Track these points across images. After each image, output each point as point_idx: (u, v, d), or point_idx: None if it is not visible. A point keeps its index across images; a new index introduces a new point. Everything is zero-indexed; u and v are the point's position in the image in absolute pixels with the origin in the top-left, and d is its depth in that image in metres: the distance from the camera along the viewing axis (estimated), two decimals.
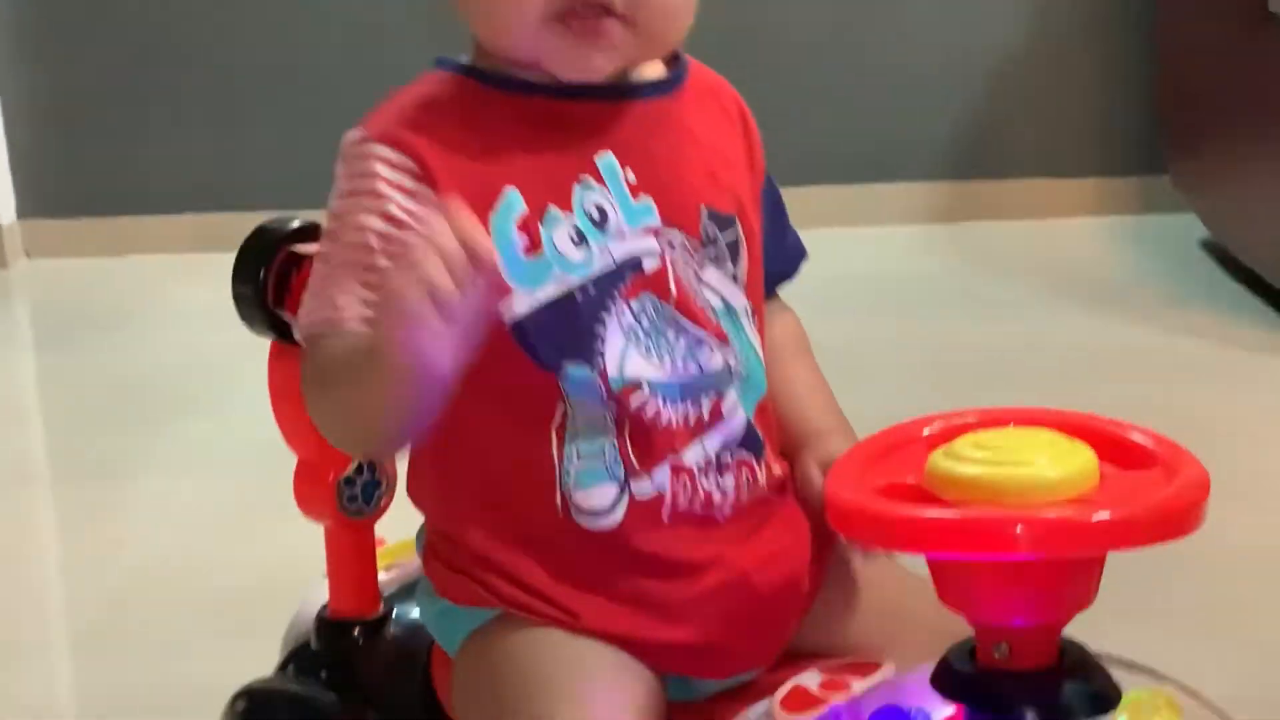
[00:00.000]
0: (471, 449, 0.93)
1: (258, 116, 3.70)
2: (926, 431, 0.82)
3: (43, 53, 3.67)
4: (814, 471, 0.97)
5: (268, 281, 1.03)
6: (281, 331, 1.04)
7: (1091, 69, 3.69)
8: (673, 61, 0.99)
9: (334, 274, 0.90)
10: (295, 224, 1.05)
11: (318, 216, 3.22)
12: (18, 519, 2.31)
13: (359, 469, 1.08)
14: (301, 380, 0.92)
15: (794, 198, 3.97)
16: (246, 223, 3.50)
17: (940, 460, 0.77)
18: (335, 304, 0.89)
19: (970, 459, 0.76)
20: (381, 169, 0.90)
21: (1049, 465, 0.75)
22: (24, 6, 3.64)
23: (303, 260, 1.04)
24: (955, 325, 2.97)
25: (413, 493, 1.00)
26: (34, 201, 3.73)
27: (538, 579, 0.92)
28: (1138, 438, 0.79)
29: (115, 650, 1.86)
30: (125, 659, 1.82)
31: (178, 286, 3.37)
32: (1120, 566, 0.77)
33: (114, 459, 2.46)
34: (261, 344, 1.09)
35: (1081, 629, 0.77)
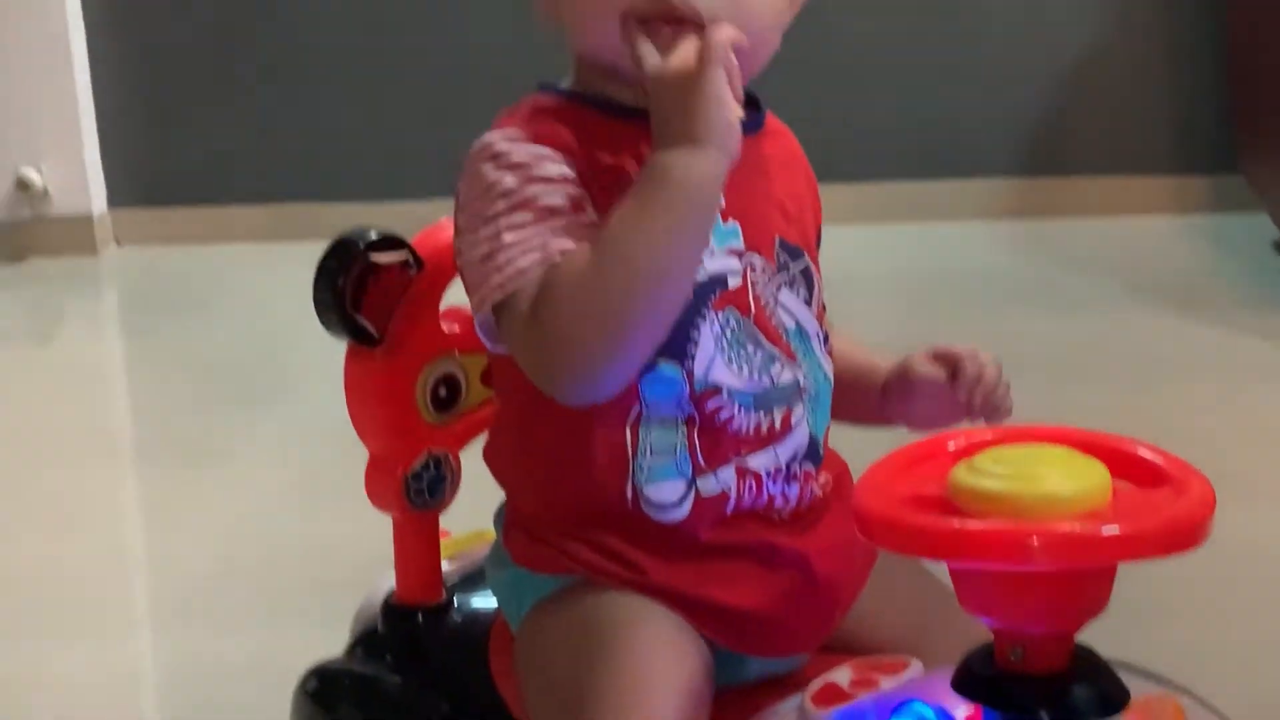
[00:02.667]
0: (550, 432, 0.99)
1: (341, 110, 3.77)
2: (951, 446, 0.86)
3: (131, 47, 3.77)
4: (923, 366, 1.07)
5: (346, 288, 1.08)
6: (357, 333, 1.10)
7: (1165, 67, 3.68)
8: (751, 104, 1.04)
9: (521, 228, 0.93)
10: (373, 235, 1.10)
11: (398, 207, 3.28)
12: (105, 497, 2.39)
13: (426, 464, 1.14)
14: (533, 319, 0.91)
15: (869, 192, 4.03)
16: (327, 213, 3.60)
17: (963, 474, 0.81)
18: (545, 245, 0.92)
19: (991, 473, 0.80)
20: (544, 158, 0.95)
21: (1064, 481, 0.79)
22: (116, 3, 3.73)
23: (380, 269, 1.09)
24: (1028, 321, 2.99)
25: (490, 461, 1.05)
26: (124, 191, 3.82)
27: (610, 542, 0.98)
28: (1148, 455, 0.83)
29: (196, 628, 1.93)
30: (204, 637, 1.90)
31: (261, 273, 3.46)
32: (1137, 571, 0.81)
33: (197, 442, 2.54)
34: None
35: (1094, 634, 0.82)
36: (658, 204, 0.91)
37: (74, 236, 3.74)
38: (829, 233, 1.13)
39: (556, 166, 0.95)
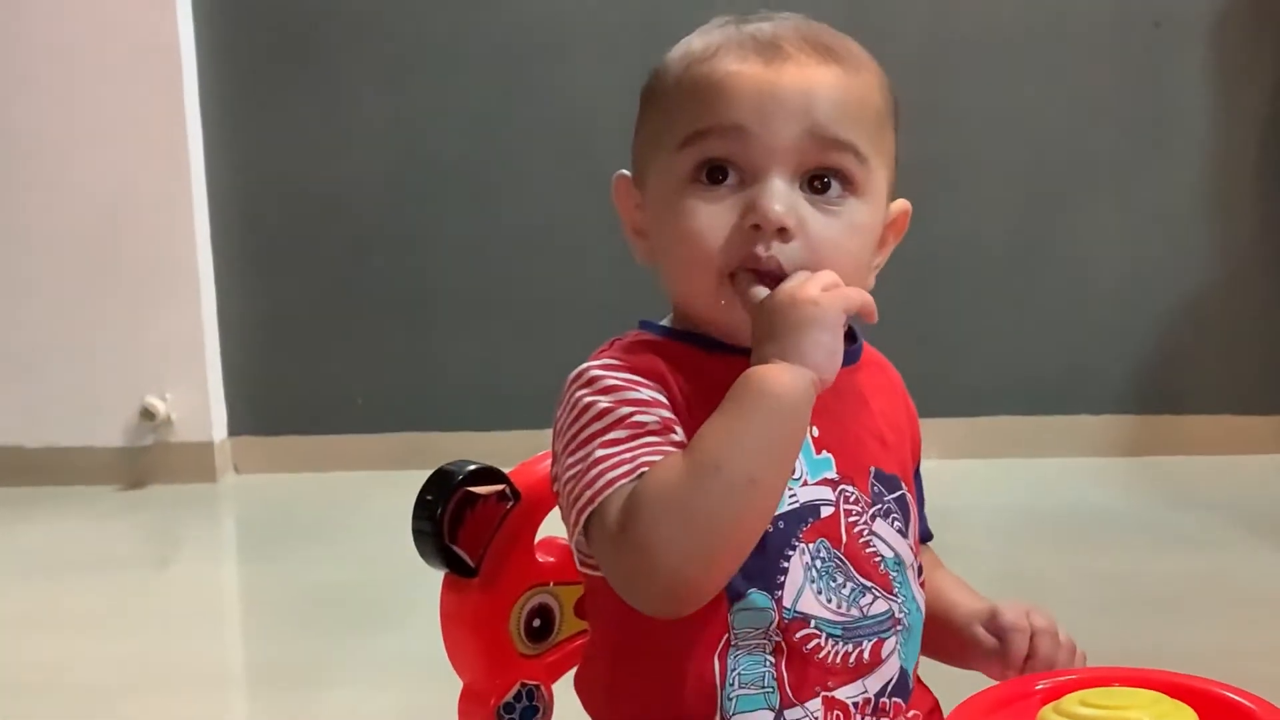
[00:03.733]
0: (641, 661, 1.00)
1: (455, 341, 3.86)
2: (1039, 687, 0.86)
3: (256, 280, 3.90)
4: (978, 629, 1.06)
5: (444, 518, 1.11)
6: (454, 564, 1.12)
7: (1277, 304, 3.68)
8: (850, 336, 1.07)
9: (614, 444, 0.96)
10: (471, 467, 1.13)
11: (509, 437, 3.31)
12: None
13: (518, 695, 1.15)
14: (621, 529, 0.93)
15: (978, 428, 4.01)
16: (441, 442, 3.64)
17: (1050, 716, 0.82)
18: (635, 459, 0.95)
19: (1078, 716, 0.80)
20: (638, 383, 0.99)
21: None
22: (238, 240, 3.88)
23: (477, 500, 1.12)
24: (1137, 559, 2.95)
25: (581, 690, 1.07)
26: (244, 419, 3.93)
27: None
28: (1236, 699, 0.82)
29: None
30: None
31: (373, 501, 3.51)
32: None
33: (306, 668, 2.56)
34: None
35: None
36: (748, 414, 0.93)
37: (194, 463, 3.84)
38: (939, 466, 1.15)
39: (649, 391, 0.98)
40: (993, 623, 1.06)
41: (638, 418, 0.96)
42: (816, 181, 0.99)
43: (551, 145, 3.74)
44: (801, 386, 0.94)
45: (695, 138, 0.99)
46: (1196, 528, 3.13)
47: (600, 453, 0.95)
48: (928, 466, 1.14)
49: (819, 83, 0.99)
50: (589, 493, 0.95)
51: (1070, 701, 0.82)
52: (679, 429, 0.97)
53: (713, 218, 0.99)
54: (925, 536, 1.14)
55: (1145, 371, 3.72)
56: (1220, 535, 3.07)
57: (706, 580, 0.93)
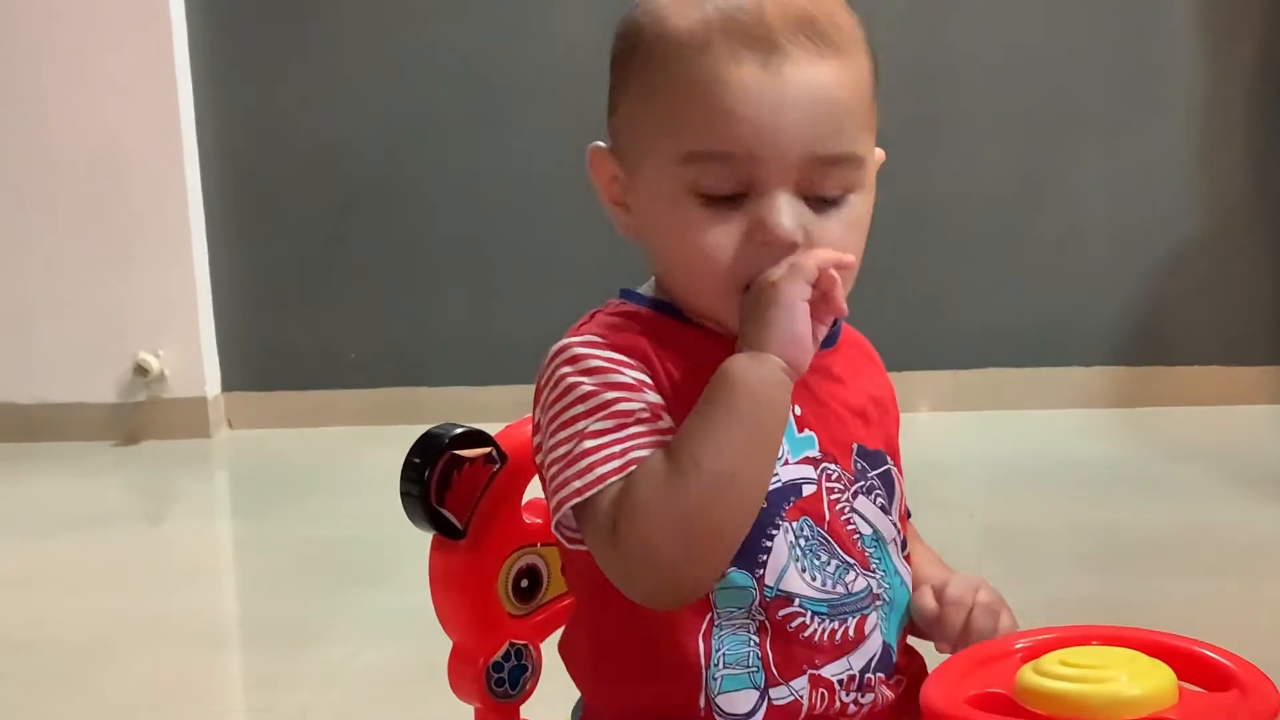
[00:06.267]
0: (624, 637, 1.01)
1: (447, 298, 3.86)
2: (1017, 646, 0.87)
3: (248, 237, 3.90)
4: (927, 597, 1.04)
5: (432, 481, 1.11)
6: (441, 526, 1.13)
7: (1264, 255, 3.68)
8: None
9: (601, 434, 0.96)
10: (458, 430, 1.13)
11: (501, 392, 3.30)
12: (204, 678, 2.42)
13: (506, 655, 1.16)
14: (614, 529, 0.94)
15: (969, 380, 4.02)
16: (434, 397, 3.64)
17: (1028, 675, 0.82)
18: (625, 453, 0.95)
19: (1057, 675, 0.81)
20: (622, 364, 0.99)
21: (1130, 683, 0.80)
22: (229, 196, 3.88)
23: (463, 463, 1.13)
24: (1127, 510, 2.97)
25: (565, 656, 1.07)
26: (237, 375, 3.93)
27: None
28: (1215, 657, 0.83)
29: None
30: None
31: (366, 456, 3.52)
32: None
33: (299, 624, 2.58)
34: None
35: None
36: (721, 409, 0.94)
37: (188, 419, 3.84)
38: (930, 419, 1.15)
39: (633, 373, 0.98)
40: (940, 594, 1.06)
41: (623, 405, 0.96)
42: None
43: (544, 97, 3.73)
44: (770, 375, 0.95)
45: (698, 157, 0.98)
46: (1186, 479, 3.14)
47: (588, 444, 0.95)
48: (917, 420, 1.15)
49: (820, 91, 0.97)
50: (578, 484, 0.95)
51: (1049, 661, 0.82)
52: (666, 414, 0.97)
53: (721, 236, 0.98)
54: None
55: (1135, 323, 3.73)
56: (1209, 487, 3.08)
57: (701, 575, 0.94)
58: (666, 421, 0.97)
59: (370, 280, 3.88)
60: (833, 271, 0.96)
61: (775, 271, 0.96)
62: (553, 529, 1.01)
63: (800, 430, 1.02)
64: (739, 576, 0.98)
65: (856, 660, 1.01)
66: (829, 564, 1.00)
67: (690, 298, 1.02)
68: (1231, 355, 3.67)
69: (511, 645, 1.16)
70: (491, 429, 1.15)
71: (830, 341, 1.07)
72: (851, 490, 1.03)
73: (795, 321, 0.95)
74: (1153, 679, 0.80)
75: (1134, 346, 3.72)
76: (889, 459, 1.07)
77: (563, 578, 1.15)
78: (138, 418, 3.85)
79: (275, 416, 3.89)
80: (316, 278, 3.90)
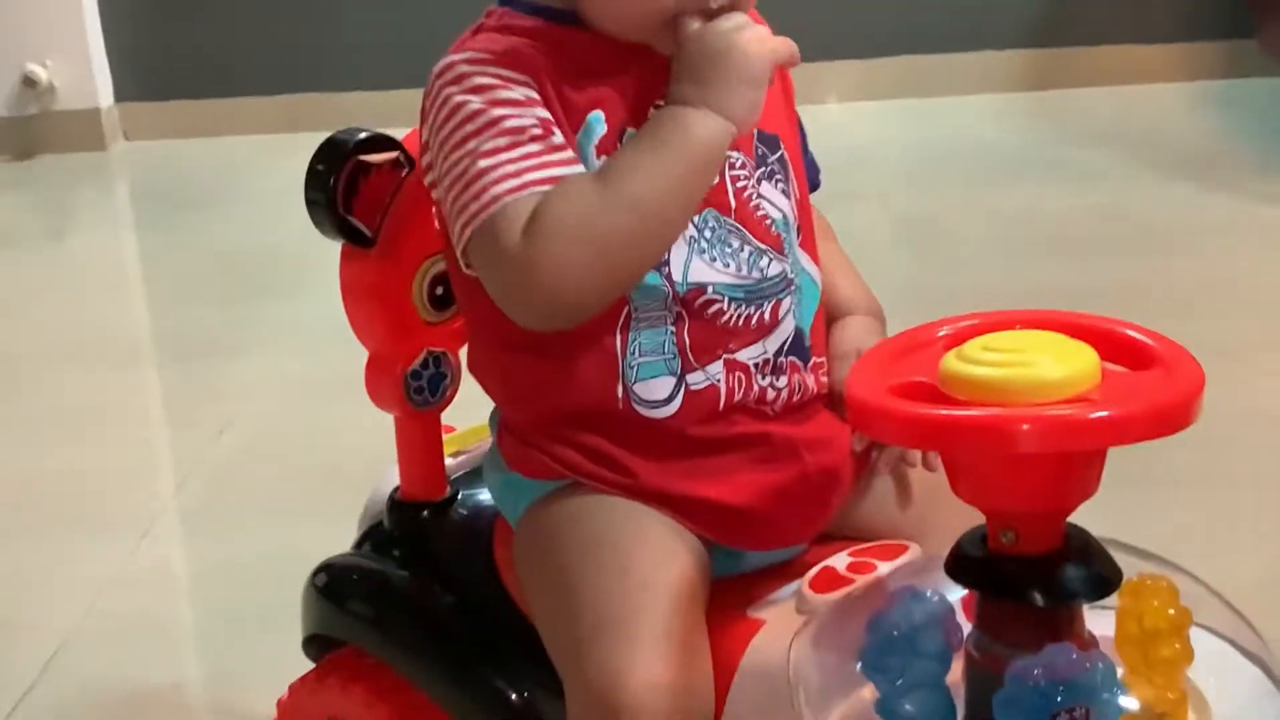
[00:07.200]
0: (534, 341, 0.99)
1: (341, 2, 3.74)
2: (940, 333, 0.86)
3: None
4: (837, 368, 1.03)
5: (338, 189, 1.08)
6: (350, 234, 1.10)
7: None
8: None
9: (494, 153, 0.94)
10: (363, 135, 1.10)
11: (407, 95, 3.24)
12: (119, 395, 2.42)
13: (425, 363, 1.15)
14: (523, 246, 0.92)
15: (879, 68, 4.00)
16: (337, 102, 3.57)
17: (952, 362, 0.82)
18: (521, 172, 0.93)
19: (980, 361, 0.80)
20: (509, 80, 0.95)
21: (1052, 366, 0.79)
22: None
23: (370, 168, 1.09)
24: (1037, 194, 2.99)
25: (475, 371, 1.07)
26: (131, 85, 3.81)
27: (601, 446, 0.99)
28: (1137, 337, 0.83)
29: (208, 525, 1.98)
30: (217, 533, 1.95)
31: (270, 165, 3.45)
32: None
33: (208, 337, 2.56)
34: None
35: (1088, 512, 0.82)
36: (667, 156, 0.93)
37: (82, 131, 3.74)
38: (840, 109, 1.13)
39: (521, 89, 0.95)
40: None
41: (513, 122, 0.94)
42: None
43: None
44: (721, 139, 0.94)
45: None
46: (1098, 161, 3.16)
47: (483, 163, 0.93)
48: (827, 110, 1.13)
49: None
50: (474, 205, 0.93)
51: (973, 347, 0.82)
52: (557, 130, 0.95)
53: None
54: (814, 184, 1.13)
55: (1046, 3, 3.68)
56: (1121, 168, 3.11)
57: (596, 303, 0.95)
58: (559, 137, 0.95)
59: None
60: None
61: (738, 33, 0.94)
62: (458, 256, 0.98)
63: None
64: (649, 276, 0.97)
65: (771, 344, 1.01)
66: (742, 250, 1.00)
67: (609, 16, 0.97)
68: (1143, 33, 3.65)
69: (429, 353, 1.15)
70: (399, 134, 1.11)
71: None
72: (755, 176, 1.01)
73: (760, 93, 0.95)
74: (1075, 361, 0.80)
75: (1044, 28, 3.69)
76: (782, 144, 1.05)
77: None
78: (30, 132, 3.74)
79: (172, 127, 3.79)
80: None
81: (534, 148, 0.94)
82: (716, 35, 0.94)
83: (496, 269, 0.94)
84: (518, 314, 0.95)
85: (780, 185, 1.03)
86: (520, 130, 0.94)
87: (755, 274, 1.00)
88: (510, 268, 0.93)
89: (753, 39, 0.94)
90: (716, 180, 0.98)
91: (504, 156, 0.93)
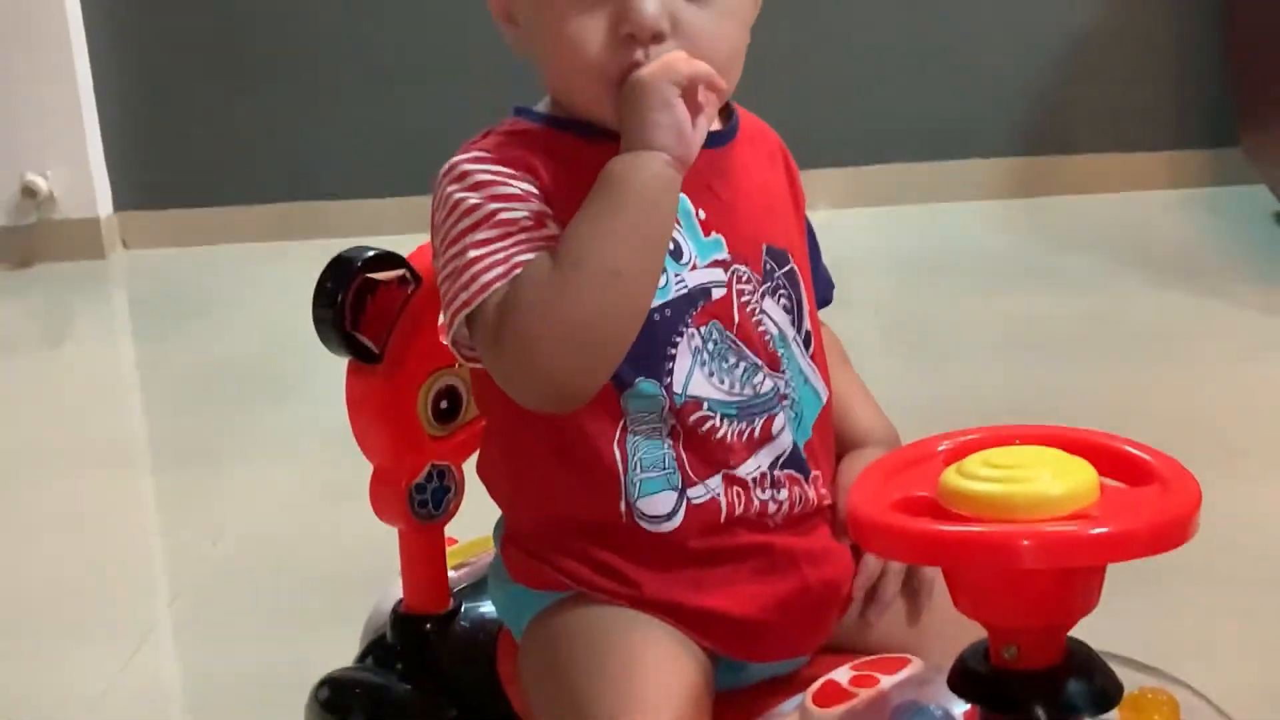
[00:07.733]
0: (540, 449, 1.01)
1: (344, 107, 3.78)
2: (940, 448, 0.87)
3: (132, 49, 3.78)
4: (843, 500, 1.05)
5: (345, 305, 1.10)
6: (357, 351, 1.12)
7: (1163, 42, 3.68)
8: (726, 113, 1.05)
9: (485, 244, 0.95)
10: (370, 253, 1.11)
11: (405, 203, 3.27)
12: (114, 502, 2.41)
13: (429, 476, 1.16)
14: (499, 329, 0.93)
15: (868, 176, 4.03)
16: (335, 211, 3.59)
17: (952, 477, 0.83)
18: (509, 259, 0.94)
19: (980, 476, 0.82)
20: (509, 176, 0.97)
21: (1052, 482, 0.80)
22: (108, 4, 3.74)
23: (377, 285, 1.11)
24: (1028, 300, 3.01)
25: (484, 476, 1.07)
26: (130, 194, 3.84)
27: (605, 558, 1.00)
28: (1135, 453, 0.84)
29: (208, 635, 1.96)
30: (217, 643, 1.92)
31: (268, 272, 3.48)
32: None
33: (205, 446, 2.56)
34: None
35: (1089, 626, 0.83)
36: (605, 207, 0.93)
37: (81, 240, 3.77)
38: (831, 216, 1.14)
39: (519, 184, 0.96)
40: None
41: (506, 214, 0.95)
42: None
43: None
44: (654, 171, 0.93)
45: None
46: (1088, 267, 3.18)
47: (473, 254, 0.94)
48: (816, 218, 1.14)
49: None
50: (464, 295, 0.94)
51: (973, 462, 0.83)
52: (552, 222, 0.96)
53: (586, 26, 0.96)
54: (824, 300, 1.14)
55: (1035, 112, 3.73)
56: (1110, 274, 3.13)
57: (584, 376, 0.94)
58: (553, 229, 0.95)
59: (261, 92, 3.78)
60: (702, 95, 0.94)
61: (648, 68, 0.94)
62: (450, 346, 1.00)
63: (708, 234, 1.01)
64: (647, 385, 0.98)
65: (765, 458, 1.02)
66: (737, 366, 1.01)
67: (570, 98, 1.00)
68: (1129, 142, 3.70)
69: (434, 466, 1.16)
70: (396, 242, 1.13)
71: (730, 135, 1.05)
72: (760, 291, 1.03)
73: (673, 114, 0.93)
74: (1075, 477, 0.81)
75: (1033, 136, 3.73)
76: (792, 258, 1.06)
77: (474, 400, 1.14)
78: (30, 240, 3.76)
79: (170, 235, 3.82)
80: (206, 90, 3.80)
81: (524, 236, 0.95)
82: (626, 85, 0.95)
83: (486, 355, 0.95)
84: (520, 397, 0.95)
85: (784, 301, 1.05)
86: (513, 222, 0.95)
87: (748, 391, 1.01)
88: (493, 352, 0.94)
89: (646, 69, 0.94)
90: (674, 224, 0.97)
91: (495, 246, 0.94)
